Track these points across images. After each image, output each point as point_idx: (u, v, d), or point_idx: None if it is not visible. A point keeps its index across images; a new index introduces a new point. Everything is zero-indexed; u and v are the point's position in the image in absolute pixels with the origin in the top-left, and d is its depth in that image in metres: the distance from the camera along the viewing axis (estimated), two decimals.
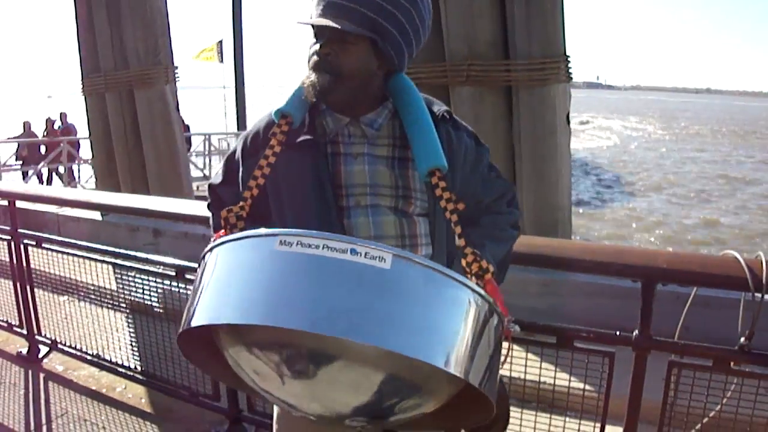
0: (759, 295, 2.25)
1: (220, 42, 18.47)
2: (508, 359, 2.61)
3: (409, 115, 1.73)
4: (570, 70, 5.72)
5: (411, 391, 1.38)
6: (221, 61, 18.48)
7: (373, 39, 1.63)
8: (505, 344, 1.57)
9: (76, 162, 17.51)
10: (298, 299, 1.21)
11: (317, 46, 1.65)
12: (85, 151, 17.47)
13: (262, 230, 1.35)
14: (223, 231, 1.72)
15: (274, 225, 1.74)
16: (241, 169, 1.83)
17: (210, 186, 1.99)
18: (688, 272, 2.46)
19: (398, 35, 1.62)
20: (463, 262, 1.66)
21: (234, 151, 1.89)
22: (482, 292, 1.34)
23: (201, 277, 1.38)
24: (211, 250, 1.40)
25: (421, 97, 1.78)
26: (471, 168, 1.84)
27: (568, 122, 5.84)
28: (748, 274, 2.28)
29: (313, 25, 1.65)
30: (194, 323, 1.31)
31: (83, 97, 9.51)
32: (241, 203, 1.73)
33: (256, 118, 1.89)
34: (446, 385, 1.38)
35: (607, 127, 59.74)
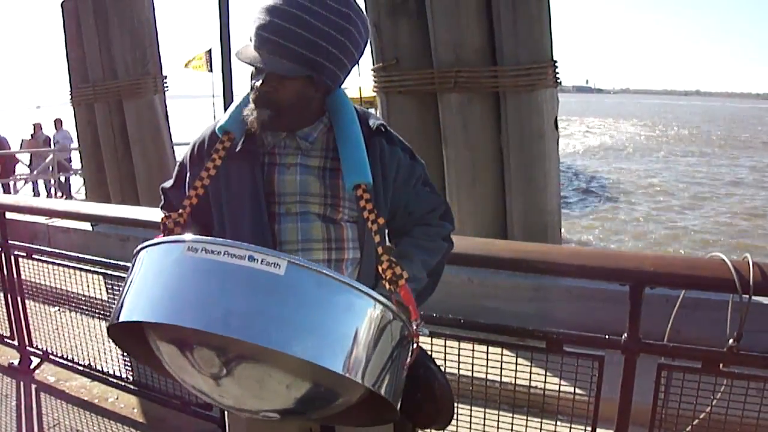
0: (746, 296, 2.27)
1: (209, 51, 18.43)
2: (498, 364, 2.65)
3: (340, 131, 1.80)
4: (558, 75, 5.74)
5: (319, 390, 1.49)
6: (210, 70, 18.44)
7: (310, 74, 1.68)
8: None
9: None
10: (197, 301, 1.32)
11: (257, 83, 1.71)
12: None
13: (176, 237, 1.51)
14: (162, 235, 1.79)
15: (215, 231, 1.87)
16: (187, 176, 1.94)
17: (162, 189, 2.10)
18: (675, 275, 2.49)
19: (333, 66, 1.68)
20: (379, 268, 1.72)
21: (185, 158, 1.99)
22: (378, 296, 1.42)
23: (128, 277, 1.50)
24: (137, 252, 1.52)
25: (354, 113, 1.84)
26: (403, 181, 1.91)
27: (557, 127, 5.85)
28: (735, 276, 2.30)
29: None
30: (117, 319, 1.43)
31: (72, 107, 9.49)
32: (180, 211, 1.81)
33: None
34: (353, 385, 1.45)
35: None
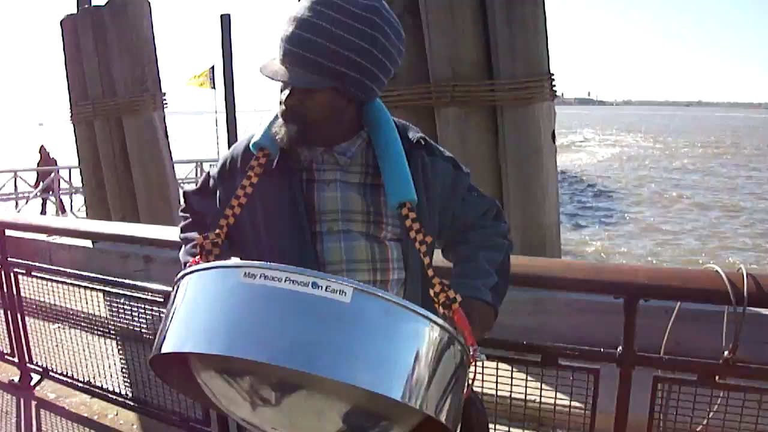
0: (741, 307, 2.28)
1: (212, 68, 18.43)
2: (494, 378, 2.65)
3: (380, 146, 1.74)
4: (554, 88, 5.75)
5: (375, 419, 1.41)
6: (213, 87, 18.44)
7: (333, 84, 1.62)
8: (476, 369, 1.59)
9: None
10: (260, 331, 1.24)
11: (283, 96, 1.66)
12: None
13: (230, 261, 1.41)
14: (198, 257, 1.73)
15: (250, 251, 1.78)
16: (218, 190, 1.87)
17: (185, 193, 2.04)
18: (669, 287, 2.49)
19: (359, 75, 1.62)
20: (431, 292, 1.67)
21: (214, 172, 1.92)
22: (443, 323, 1.36)
23: (173, 303, 1.40)
24: (183, 277, 1.42)
25: (394, 127, 1.78)
26: (449, 192, 1.85)
27: (554, 140, 5.86)
28: (729, 288, 2.31)
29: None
30: (163, 350, 1.34)
31: (72, 124, 9.53)
32: (217, 230, 1.74)
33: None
34: (409, 413, 1.38)
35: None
